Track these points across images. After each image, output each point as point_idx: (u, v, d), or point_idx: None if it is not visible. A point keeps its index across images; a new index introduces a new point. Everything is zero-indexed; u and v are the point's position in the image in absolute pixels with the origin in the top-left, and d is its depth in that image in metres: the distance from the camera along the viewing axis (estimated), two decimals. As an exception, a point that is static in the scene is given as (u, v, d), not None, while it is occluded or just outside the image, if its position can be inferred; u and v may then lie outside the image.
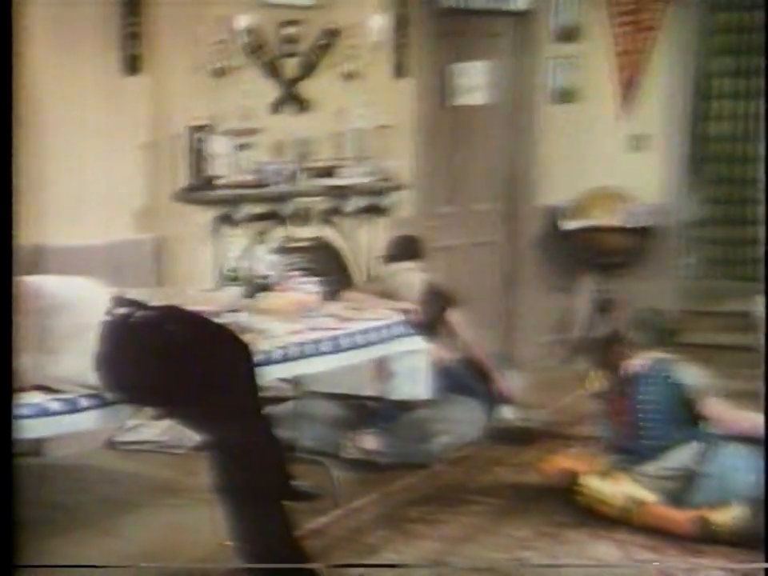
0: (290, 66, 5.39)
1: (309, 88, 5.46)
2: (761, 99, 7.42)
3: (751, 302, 5.43)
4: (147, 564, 3.47)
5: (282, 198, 5.26)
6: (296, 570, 3.22)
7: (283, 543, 3.23)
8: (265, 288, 4.43)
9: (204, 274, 4.98)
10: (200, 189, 5.00)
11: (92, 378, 3.15)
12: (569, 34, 6.65)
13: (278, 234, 5.32)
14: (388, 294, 5.07)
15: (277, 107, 5.36)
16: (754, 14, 7.38)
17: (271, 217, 5.27)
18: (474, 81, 6.30)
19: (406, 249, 5.40)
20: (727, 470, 3.89)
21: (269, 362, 3.73)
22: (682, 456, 4.00)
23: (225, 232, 5.10)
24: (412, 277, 5.24)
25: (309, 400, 4.70)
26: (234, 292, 4.43)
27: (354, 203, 5.60)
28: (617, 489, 4.00)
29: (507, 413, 5.21)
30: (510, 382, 5.32)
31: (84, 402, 3.20)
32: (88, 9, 4.65)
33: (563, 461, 4.28)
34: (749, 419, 4.09)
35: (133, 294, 3.44)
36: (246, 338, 3.51)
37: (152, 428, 4.74)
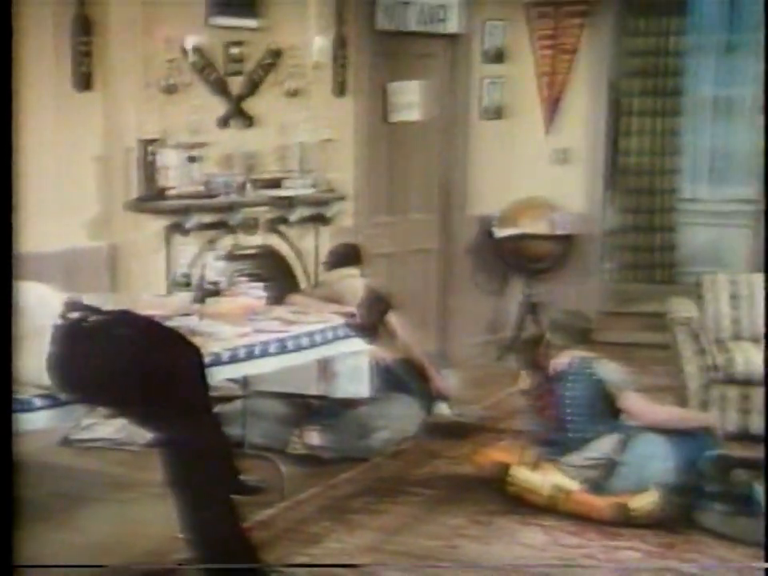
0: (237, 84, 5.36)
1: (255, 104, 5.43)
2: (672, 116, 7.56)
3: (664, 303, 5.49)
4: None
5: (230, 207, 5.23)
6: (246, 562, 3.19)
7: (231, 535, 3.19)
8: (214, 293, 4.40)
9: (156, 280, 4.93)
10: (152, 199, 4.95)
11: (46, 379, 3.10)
12: (497, 56, 6.70)
13: (227, 241, 5.28)
14: (331, 299, 5.05)
15: (225, 122, 5.33)
16: (666, 39, 7.54)
17: (220, 226, 5.23)
18: (410, 98, 6.31)
19: (348, 256, 5.39)
20: (643, 458, 3.93)
21: (218, 363, 3.70)
22: (603, 446, 4.03)
23: (176, 240, 5.05)
24: (354, 282, 5.24)
25: (256, 399, 4.67)
26: (184, 297, 4.39)
27: (299, 213, 5.58)
28: (544, 478, 4.02)
29: (443, 409, 5.21)
30: (446, 379, 5.31)
31: (38, 402, 3.15)
32: (42, 27, 4.58)
33: (495, 453, 4.28)
34: (663, 411, 4.17)
35: (87, 298, 3.39)
36: (196, 340, 3.48)
37: (106, 426, 4.67)
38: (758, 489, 3.80)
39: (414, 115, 6.35)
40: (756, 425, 4.88)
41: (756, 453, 4.17)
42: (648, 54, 7.60)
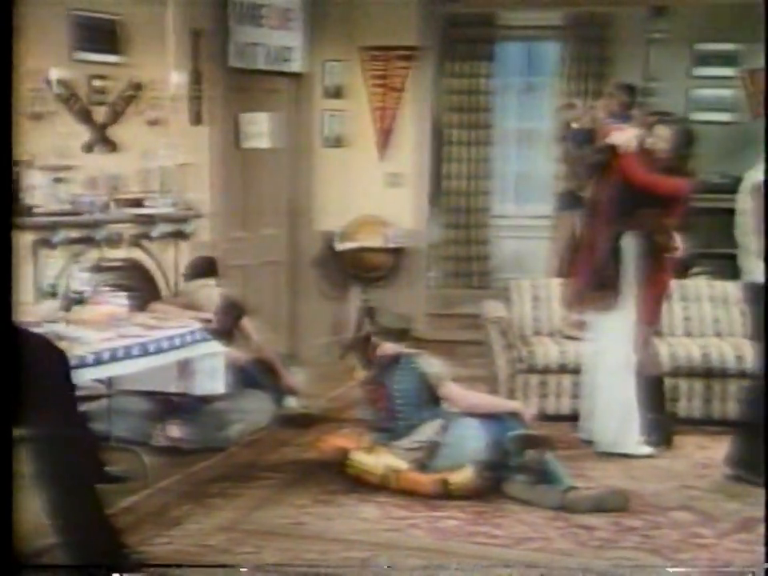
0: (101, 113, 5.19)
1: (118, 132, 5.27)
2: (484, 146, 7.87)
3: (479, 305, 5.65)
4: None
5: (95, 224, 5.05)
6: (109, 551, 3.09)
7: (95, 520, 3.09)
8: (80, 302, 4.26)
9: (24, 289, 4.71)
10: (20, 216, 4.73)
11: None
12: (336, 92, 6.73)
13: (93, 255, 5.10)
14: (190, 306, 4.98)
15: (89, 148, 5.15)
16: (478, 81, 7.81)
17: (86, 240, 5.03)
18: (260, 128, 6.27)
19: (206, 267, 5.31)
20: (461, 439, 3.99)
21: (83, 365, 3.60)
22: (427, 431, 4.07)
23: (44, 253, 4.84)
24: (211, 291, 5.17)
25: (122, 397, 4.53)
26: (51, 305, 4.23)
27: (160, 229, 5.44)
28: (378, 460, 4.05)
29: (292, 402, 5.18)
30: (295, 376, 5.30)
31: None
32: None
33: (337, 440, 4.28)
34: (474, 397, 4.21)
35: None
36: (62, 344, 3.36)
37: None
38: (552, 460, 3.94)
39: (263, 143, 6.32)
40: (552, 407, 5.10)
41: (551, 431, 4.38)
42: (463, 93, 7.87)
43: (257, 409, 4.97)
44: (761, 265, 4.04)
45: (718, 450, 4.56)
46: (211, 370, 4.39)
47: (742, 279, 4.26)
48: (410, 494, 3.93)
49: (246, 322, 5.22)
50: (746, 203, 4.11)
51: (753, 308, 4.23)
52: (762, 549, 3.17)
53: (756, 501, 3.89)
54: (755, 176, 4.11)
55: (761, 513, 3.77)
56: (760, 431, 4.08)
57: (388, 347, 4.24)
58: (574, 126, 5.65)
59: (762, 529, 3.61)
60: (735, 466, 4.16)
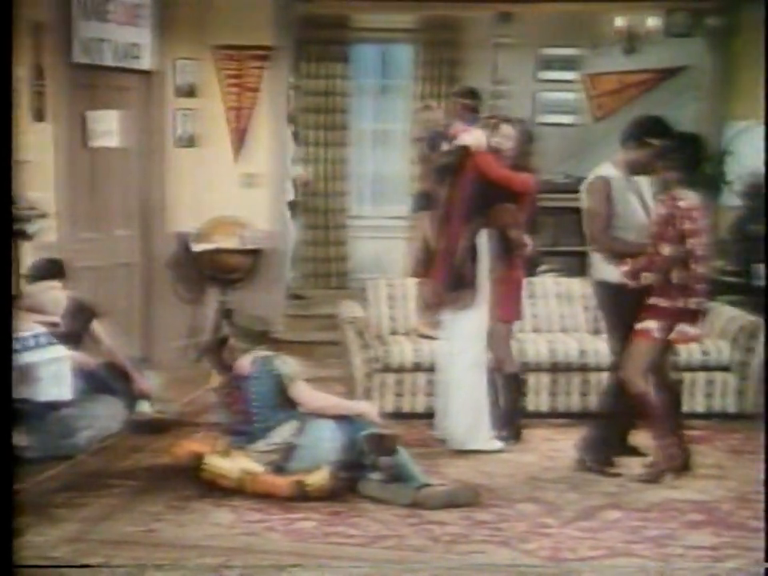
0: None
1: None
2: (341, 147, 7.90)
3: (337, 306, 5.66)
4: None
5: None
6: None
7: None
8: None
9: None
10: None
11: None
12: (188, 91, 6.56)
13: None
14: (34, 309, 4.76)
15: None
16: (333, 82, 7.83)
17: None
18: (108, 126, 6.06)
19: (50, 269, 5.09)
20: (316, 440, 3.97)
21: None
22: (283, 433, 4.04)
23: None
24: (56, 294, 4.97)
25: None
26: None
27: None
28: (234, 464, 3.98)
29: (145, 407, 5.03)
30: (148, 380, 5.16)
31: None
32: None
33: (191, 444, 4.20)
34: (320, 398, 4.16)
35: None
36: None
37: None
38: (406, 459, 3.95)
39: (112, 142, 6.12)
40: (407, 406, 5.13)
41: (406, 430, 4.42)
42: (319, 94, 7.89)
43: (107, 414, 4.82)
44: (604, 263, 4.22)
45: (562, 441, 4.74)
46: (56, 375, 4.25)
47: (592, 276, 4.43)
48: (265, 496, 3.89)
49: (96, 326, 5.05)
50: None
51: (601, 305, 4.42)
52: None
53: (595, 490, 4.09)
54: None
55: (599, 501, 3.95)
56: (610, 423, 4.29)
57: (245, 365, 4.16)
58: (428, 128, 5.77)
59: (602, 516, 3.78)
60: (582, 451, 4.33)
